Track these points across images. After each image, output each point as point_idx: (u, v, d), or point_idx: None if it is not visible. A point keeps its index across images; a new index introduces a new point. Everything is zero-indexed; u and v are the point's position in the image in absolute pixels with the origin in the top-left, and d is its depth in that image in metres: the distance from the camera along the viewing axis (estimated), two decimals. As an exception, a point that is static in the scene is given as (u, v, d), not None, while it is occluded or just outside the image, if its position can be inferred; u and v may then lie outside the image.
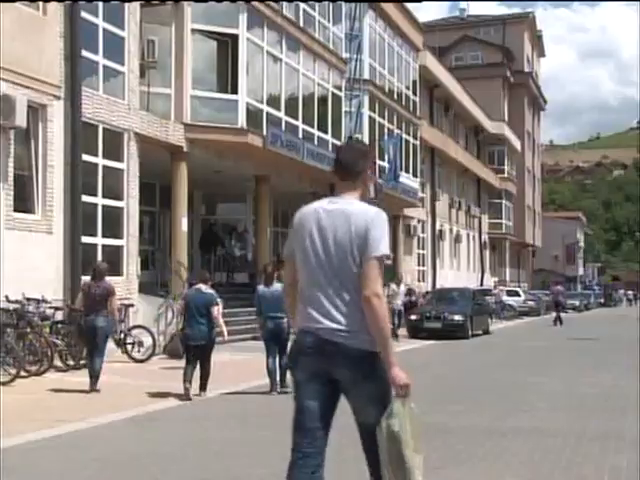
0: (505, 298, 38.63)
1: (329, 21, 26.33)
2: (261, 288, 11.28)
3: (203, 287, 10.96)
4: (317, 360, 3.65)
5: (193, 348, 10.60)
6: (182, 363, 11.28)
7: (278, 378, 11.03)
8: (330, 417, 3.82)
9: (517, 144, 59.26)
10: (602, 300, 68.28)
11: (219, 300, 11.09)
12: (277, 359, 11.06)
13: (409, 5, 34.50)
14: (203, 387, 10.67)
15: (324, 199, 3.98)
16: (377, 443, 3.62)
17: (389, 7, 32.08)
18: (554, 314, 33.05)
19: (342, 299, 3.63)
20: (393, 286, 23.04)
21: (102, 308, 11.06)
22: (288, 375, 10.21)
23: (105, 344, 11.41)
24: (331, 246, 3.69)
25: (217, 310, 10.79)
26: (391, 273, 34.07)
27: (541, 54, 74.19)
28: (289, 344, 9.75)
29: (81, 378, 12.12)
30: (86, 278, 12.58)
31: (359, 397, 3.66)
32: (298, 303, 3.79)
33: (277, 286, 10.94)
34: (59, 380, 11.91)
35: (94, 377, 10.88)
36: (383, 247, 3.62)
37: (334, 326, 3.61)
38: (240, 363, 15.08)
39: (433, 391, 11.34)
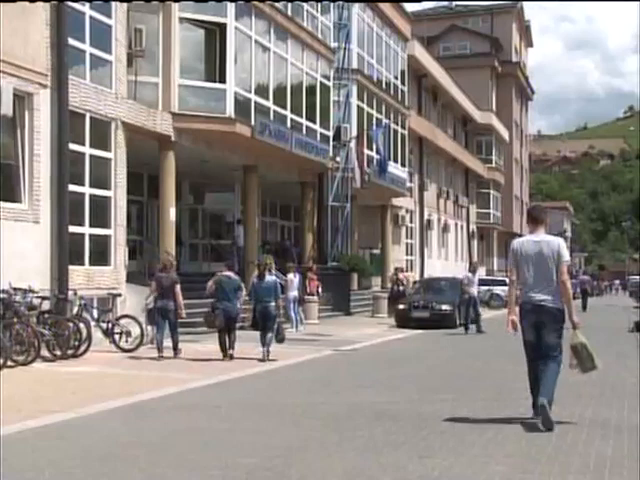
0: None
1: (317, 10, 26.26)
2: (255, 281, 14.27)
3: (231, 274, 14.10)
4: (533, 314, 7.47)
5: (225, 320, 13.53)
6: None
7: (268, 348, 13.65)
8: (541, 342, 7.50)
9: (505, 134, 59.34)
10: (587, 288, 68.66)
11: (242, 285, 14.31)
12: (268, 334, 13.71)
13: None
14: (231, 347, 13.66)
15: (528, 235, 7.76)
16: (551, 352, 7.43)
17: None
18: (580, 302, 35.99)
19: (547, 284, 7.44)
20: (469, 274, 22.24)
21: (171, 293, 13.77)
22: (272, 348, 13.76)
23: (177, 321, 14.01)
24: (541, 258, 7.47)
25: (241, 294, 13.98)
26: (379, 262, 34.27)
27: (529, 44, 74.25)
28: (275, 325, 13.96)
29: (69, 368, 12.11)
30: (73, 267, 14.31)
31: (550, 330, 7.44)
32: (524, 288, 7.55)
33: (267, 279, 14.07)
34: (46, 370, 11.89)
35: (175, 346, 13.81)
36: (567, 257, 7.55)
37: (543, 297, 7.44)
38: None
39: (421, 381, 11.39)
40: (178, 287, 13.88)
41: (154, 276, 14.43)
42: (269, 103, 22.72)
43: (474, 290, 21.68)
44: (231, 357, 13.53)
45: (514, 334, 7.60)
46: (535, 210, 8.04)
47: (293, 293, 21.07)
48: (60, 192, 14.93)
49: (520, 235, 68.84)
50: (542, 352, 7.45)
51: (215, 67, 20.65)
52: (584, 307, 35.65)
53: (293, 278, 21.41)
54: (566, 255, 7.49)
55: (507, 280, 8.17)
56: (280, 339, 14.10)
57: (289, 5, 23.78)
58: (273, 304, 13.84)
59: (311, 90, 25.90)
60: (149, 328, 14.74)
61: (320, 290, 24.06)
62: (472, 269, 22.85)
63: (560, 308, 7.43)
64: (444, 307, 23.20)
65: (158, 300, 13.88)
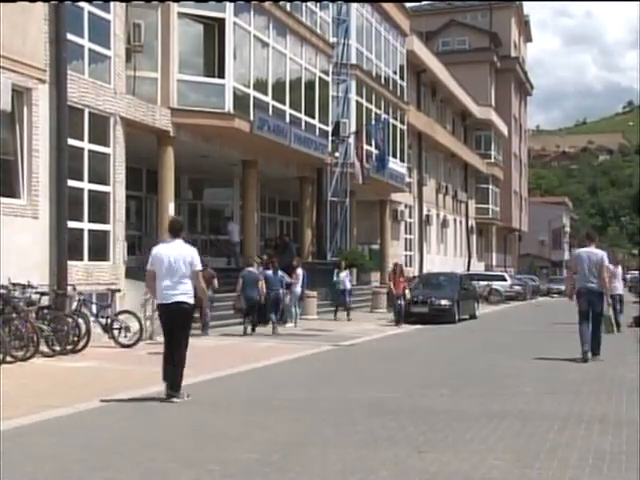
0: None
1: (316, 5, 26.21)
2: (269, 274, 18.86)
3: (252, 269, 18.45)
4: (586, 295, 12.68)
5: (249, 306, 17.74)
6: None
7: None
8: (589, 314, 12.65)
9: (504, 129, 59.31)
10: None
11: (261, 277, 18.32)
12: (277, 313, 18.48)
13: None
14: (253, 329, 17.82)
15: (585, 248, 13.04)
16: (597, 320, 12.68)
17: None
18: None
19: (594, 276, 12.65)
20: (612, 267, 17.32)
21: (209, 285, 16.07)
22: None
23: (212, 307, 17.73)
24: (591, 262, 12.69)
25: (261, 284, 18.02)
26: (377, 258, 34.28)
27: (528, 39, 74.15)
28: (280, 306, 19.80)
29: (68, 363, 12.12)
30: (72, 262, 14.11)
31: (596, 306, 12.72)
32: (581, 279, 12.77)
33: (279, 273, 19.07)
34: (45, 365, 11.89)
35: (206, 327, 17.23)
36: (607, 262, 12.95)
37: (592, 285, 12.64)
38: (226, 348, 15.10)
39: (420, 375, 11.40)
40: (215, 280, 17.44)
41: None
42: (268, 98, 22.69)
43: (619, 285, 19.64)
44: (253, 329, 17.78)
45: (574, 303, 12.86)
46: (591, 232, 14.11)
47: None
48: (59, 187, 14.90)
49: (519, 230, 69.46)
50: (589, 319, 12.54)
51: (214, 62, 20.62)
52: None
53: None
54: (606, 261, 12.67)
55: (566, 273, 11.97)
56: (284, 320, 19.41)
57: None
58: (282, 291, 18.84)
59: (310, 85, 25.87)
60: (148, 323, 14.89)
61: (407, 292, 24.04)
62: (615, 261, 19.38)
63: (602, 292, 12.62)
64: (443, 302, 23.21)
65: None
